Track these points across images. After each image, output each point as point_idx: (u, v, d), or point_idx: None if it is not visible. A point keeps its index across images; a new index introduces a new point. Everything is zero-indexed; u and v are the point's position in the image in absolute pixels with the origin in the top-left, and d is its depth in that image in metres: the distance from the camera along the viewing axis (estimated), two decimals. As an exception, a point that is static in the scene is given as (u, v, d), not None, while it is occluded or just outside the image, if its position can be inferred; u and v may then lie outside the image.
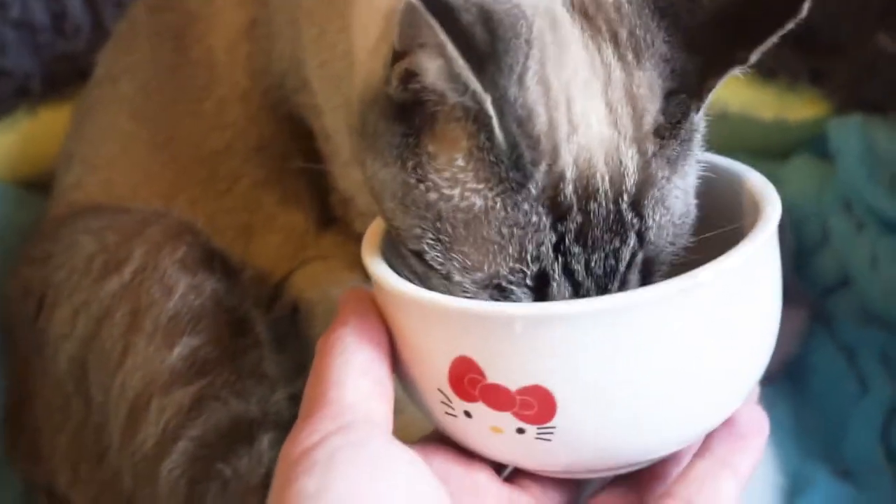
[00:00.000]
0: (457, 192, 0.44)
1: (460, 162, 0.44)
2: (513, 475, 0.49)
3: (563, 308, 0.41)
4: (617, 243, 0.44)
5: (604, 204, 0.44)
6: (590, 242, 0.44)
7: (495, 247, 0.44)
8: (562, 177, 0.43)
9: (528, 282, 0.44)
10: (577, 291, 0.44)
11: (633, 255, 0.44)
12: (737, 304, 0.43)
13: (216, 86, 0.72)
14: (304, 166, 0.70)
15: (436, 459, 0.46)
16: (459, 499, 0.44)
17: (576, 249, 0.44)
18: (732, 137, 0.90)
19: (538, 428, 0.43)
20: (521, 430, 0.43)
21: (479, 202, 0.44)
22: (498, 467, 0.49)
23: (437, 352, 0.44)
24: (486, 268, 0.44)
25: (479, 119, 0.43)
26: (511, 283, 0.44)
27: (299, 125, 0.70)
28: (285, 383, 0.67)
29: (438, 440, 0.48)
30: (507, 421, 0.43)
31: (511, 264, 0.44)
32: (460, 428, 0.45)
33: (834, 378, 0.77)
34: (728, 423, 0.46)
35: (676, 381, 0.42)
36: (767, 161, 0.91)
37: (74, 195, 0.75)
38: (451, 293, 0.45)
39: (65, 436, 0.67)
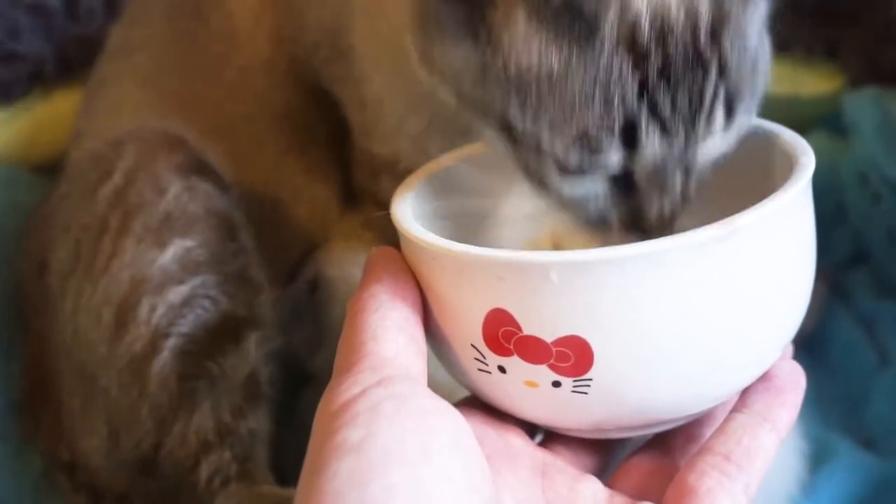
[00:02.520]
0: (529, 55, 0.44)
1: (523, 24, 0.44)
2: (545, 440, 0.49)
3: (598, 254, 0.41)
4: (699, 78, 0.44)
5: (681, 39, 0.43)
6: (672, 81, 0.43)
7: (579, 103, 0.43)
8: (636, 19, 0.43)
9: (617, 133, 0.44)
10: (667, 133, 0.44)
11: (716, 90, 0.44)
12: (775, 253, 0.42)
13: (237, 54, 0.72)
14: (328, 136, 0.70)
15: (470, 421, 0.45)
16: (494, 461, 0.44)
17: (659, 91, 0.43)
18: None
19: (574, 380, 0.42)
20: (556, 384, 0.42)
21: (554, 61, 0.44)
22: (530, 432, 0.48)
23: (471, 305, 0.43)
24: (574, 127, 0.44)
25: None
26: (600, 138, 0.44)
27: (326, 96, 0.70)
28: (269, 288, 0.67)
29: (471, 403, 0.48)
30: (543, 374, 0.42)
31: (597, 118, 0.43)
32: (494, 384, 0.45)
33: (853, 350, 0.77)
34: (765, 377, 0.46)
35: (715, 332, 0.41)
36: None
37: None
38: (540, 171, 0.46)
39: (78, 397, 0.67)
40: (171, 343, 0.61)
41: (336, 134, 0.71)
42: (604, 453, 0.49)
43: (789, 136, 0.48)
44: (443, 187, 0.52)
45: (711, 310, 0.41)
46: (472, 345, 0.44)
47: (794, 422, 0.46)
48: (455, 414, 0.41)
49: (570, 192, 0.48)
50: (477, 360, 0.44)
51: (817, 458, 0.68)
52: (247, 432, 0.62)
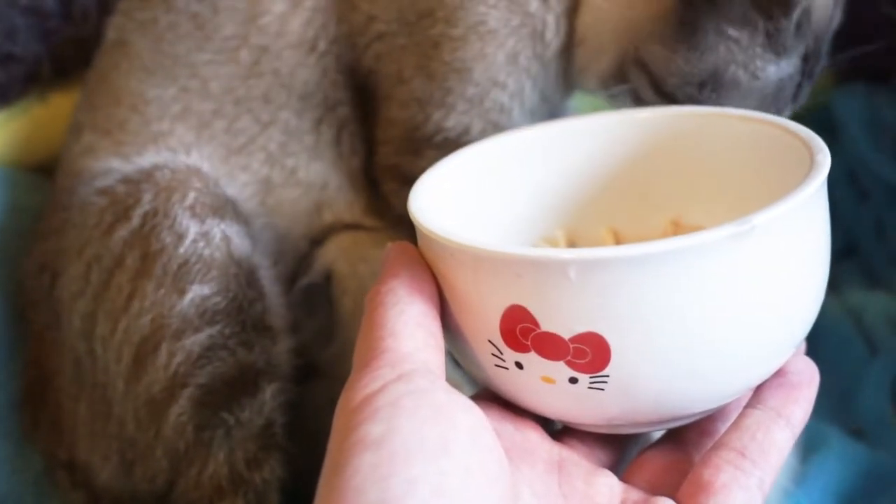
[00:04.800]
0: None
1: None
2: (560, 434, 0.49)
3: (616, 252, 0.41)
4: None
5: None
6: None
7: None
8: None
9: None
10: None
11: None
12: (791, 250, 0.43)
13: (256, 34, 0.73)
14: (345, 118, 0.72)
15: (488, 415, 0.45)
16: (511, 455, 0.44)
17: None
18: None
19: (591, 377, 0.42)
20: (573, 380, 0.43)
21: None
22: (546, 426, 0.49)
23: (489, 301, 0.43)
24: None
25: None
26: None
27: (356, 76, 0.72)
28: (286, 336, 0.68)
29: (488, 397, 0.48)
30: (560, 370, 0.43)
31: None
32: (511, 380, 0.45)
33: (843, 341, 0.78)
34: (779, 373, 0.46)
35: (731, 328, 0.42)
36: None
37: (85, 161, 0.75)
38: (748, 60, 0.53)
39: (83, 403, 0.68)
40: (188, 393, 0.62)
41: (354, 116, 0.72)
42: (618, 448, 0.49)
43: (805, 134, 0.49)
44: (459, 181, 0.53)
45: (728, 307, 0.41)
46: (489, 340, 0.44)
47: (807, 418, 0.46)
48: (473, 408, 0.42)
49: (777, 73, 0.56)
50: (494, 355, 0.45)
51: (808, 448, 0.69)
52: (261, 481, 0.63)
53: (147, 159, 0.71)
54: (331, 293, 0.73)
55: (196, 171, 0.69)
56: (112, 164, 0.73)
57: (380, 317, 0.44)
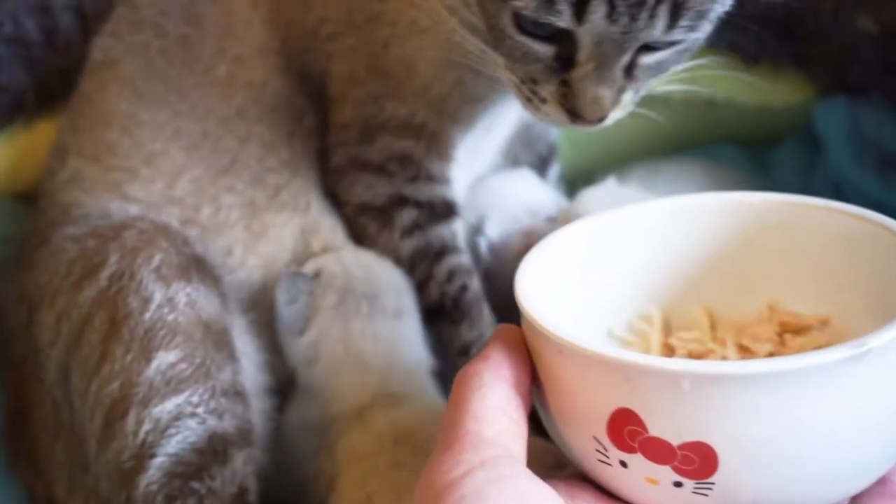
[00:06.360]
0: None
1: None
2: None
3: (731, 368, 0.41)
4: None
5: None
6: None
7: None
8: None
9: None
10: (612, 12, 0.54)
11: None
12: None
13: (232, 45, 0.74)
14: (310, 129, 0.75)
15: (581, 498, 0.46)
16: None
17: None
18: (720, 126, 0.91)
19: (696, 483, 0.43)
20: (678, 484, 0.43)
21: None
22: None
23: (596, 401, 0.44)
24: None
25: None
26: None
27: (313, 81, 0.74)
28: (259, 398, 0.68)
29: (580, 478, 0.48)
30: (665, 474, 0.43)
31: None
32: (613, 476, 0.45)
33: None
34: (880, 480, 0.46)
35: (840, 443, 0.42)
36: (756, 147, 0.92)
37: (72, 192, 0.75)
38: (500, 22, 0.55)
39: (60, 444, 0.68)
40: (157, 462, 0.62)
41: (317, 125, 0.74)
42: None
43: None
44: (561, 258, 0.53)
45: (840, 423, 0.42)
46: (594, 437, 0.44)
47: None
48: (556, 499, 0.42)
49: (523, 48, 0.58)
50: (598, 451, 0.45)
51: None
52: None
53: (123, 208, 0.72)
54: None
55: (164, 230, 0.69)
56: (99, 193, 0.74)
57: (463, 399, 0.45)
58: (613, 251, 0.55)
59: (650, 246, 0.55)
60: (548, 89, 0.60)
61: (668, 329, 0.55)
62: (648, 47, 0.58)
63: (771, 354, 0.51)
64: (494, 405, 0.44)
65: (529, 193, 0.82)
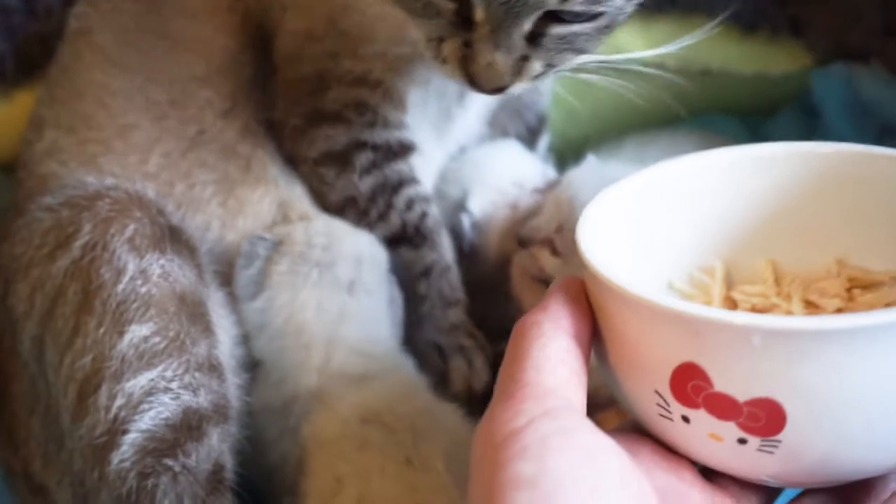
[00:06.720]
0: None
1: None
2: (711, 473, 0.48)
3: (805, 323, 0.40)
4: None
5: None
6: None
7: None
8: None
9: None
10: None
11: None
12: None
13: (188, 2, 0.74)
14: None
15: (641, 453, 0.45)
16: (664, 496, 0.43)
17: None
18: (716, 96, 0.89)
19: (762, 440, 0.42)
20: (742, 441, 0.42)
21: None
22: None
23: (660, 354, 0.42)
24: None
25: None
26: None
27: (265, 39, 0.74)
28: (237, 371, 0.67)
29: (640, 431, 0.47)
30: (730, 430, 0.42)
31: None
32: (674, 431, 0.44)
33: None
34: None
35: None
36: (752, 118, 0.90)
37: (49, 164, 0.74)
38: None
39: (36, 418, 0.67)
40: (130, 438, 0.61)
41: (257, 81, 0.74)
42: (769, 493, 0.48)
43: None
44: (624, 209, 0.52)
45: None
46: (656, 391, 0.43)
47: None
48: (620, 451, 0.41)
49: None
50: (659, 405, 0.44)
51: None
52: None
53: (99, 180, 0.71)
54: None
55: (138, 200, 0.67)
56: (75, 167, 0.73)
57: (522, 349, 0.44)
58: (674, 202, 0.53)
59: (713, 197, 0.54)
60: (449, 48, 0.59)
61: (730, 282, 0.53)
62: (558, 18, 0.57)
63: (839, 311, 0.50)
64: (555, 356, 0.43)
65: (514, 165, 0.81)
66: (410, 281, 0.74)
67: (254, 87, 0.75)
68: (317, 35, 0.72)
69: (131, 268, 0.63)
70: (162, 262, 0.64)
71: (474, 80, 0.58)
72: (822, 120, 0.83)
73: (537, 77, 0.59)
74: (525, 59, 0.58)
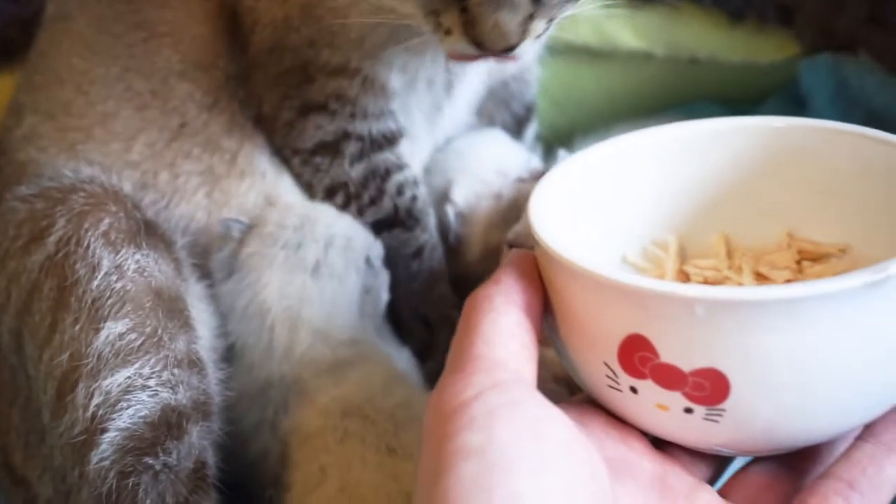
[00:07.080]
0: None
1: None
2: (661, 444, 0.48)
3: (746, 294, 0.40)
4: None
5: None
6: None
7: None
8: None
9: None
10: None
11: None
12: None
13: None
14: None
15: (592, 424, 0.46)
16: (614, 466, 0.44)
17: None
18: (704, 84, 0.89)
19: (707, 409, 0.42)
20: (688, 410, 0.43)
21: None
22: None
23: (608, 327, 0.43)
24: None
25: None
26: None
27: (240, 28, 0.73)
28: (217, 365, 0.66)
29: (592, 403, 0.47)
30: (676, 400, 0.43)
31: None
32: (623, 401, 0.45)
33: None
34: (894, 408, 0.45)
35: (854, 371, 0.41)
36: (740, 106, 0.90)
37: (28, 150, 0.74)
38: None
39: (17, 410, 0.66)
40: (108, 437, 0.59)
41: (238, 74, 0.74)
42: (721, 461, 0.49)
43: None
44: (576, 184, 0.52)
45: (856, 352, 0.41)
46: (604, 362, 0.44)
47: None
48: (568, 422, 0.41)
49: None
50: (608, 377, 0.44)
51: None
52: None
53: (78, 169, 0.70)
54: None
55: (114, 194, 0.66)
56: (55, 153, 0.72)
57: (474, 322, 0.44)
58: (628, 176, 0.54)
59: (666, 171, 0.54)
60: (450, 19, 0.57)
61: (683, 256, 0.54)
62: None
63: (788, 282, 0.50)
64: (506, 330, 0.44)
65: (498, 154, 0.80)
66: (401, 260, 0.75)
67: (237, 84, 0.74)
68: (294, 24, 0.72)
69: (106, 263, 0.62)
70: (137, 256, 0.63)
71: (482, 44, 0.56)
72: (809, 109, 0.83)
73: (539, 36, 0.58)
74: (530, 17, 0.56)
